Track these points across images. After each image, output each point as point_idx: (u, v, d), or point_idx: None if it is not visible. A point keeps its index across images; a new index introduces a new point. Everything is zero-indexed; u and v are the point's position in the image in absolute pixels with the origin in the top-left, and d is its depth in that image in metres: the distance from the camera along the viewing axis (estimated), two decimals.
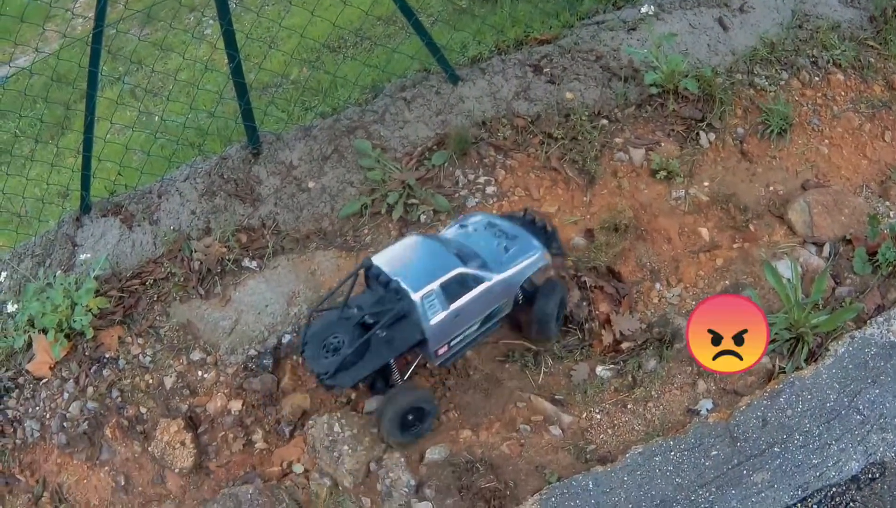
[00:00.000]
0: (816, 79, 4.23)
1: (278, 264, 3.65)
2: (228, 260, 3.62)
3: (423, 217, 3.73)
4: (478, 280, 2.78)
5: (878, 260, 3.61)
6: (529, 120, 3.84)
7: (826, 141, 4.11)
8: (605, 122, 3.87)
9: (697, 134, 3.94)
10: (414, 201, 3.75)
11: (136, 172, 4.26)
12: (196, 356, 3.44)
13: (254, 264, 3.67)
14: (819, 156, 4.05)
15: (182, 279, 3.57)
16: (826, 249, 3.75)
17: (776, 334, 3.29)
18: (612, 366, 3.38)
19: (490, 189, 3.78)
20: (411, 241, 2.94)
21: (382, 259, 2.82)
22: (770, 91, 4.09)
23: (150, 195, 3.84)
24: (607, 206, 3.74)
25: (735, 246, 3.75)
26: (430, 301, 2.68)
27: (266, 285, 3.56)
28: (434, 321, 2.69)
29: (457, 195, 3.79)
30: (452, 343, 2.85)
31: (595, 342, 3.44)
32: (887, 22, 4.59)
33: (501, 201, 3.74)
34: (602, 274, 3.59)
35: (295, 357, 3.36)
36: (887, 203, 3.97)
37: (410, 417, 2.82)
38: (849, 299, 3.53)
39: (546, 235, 3.12)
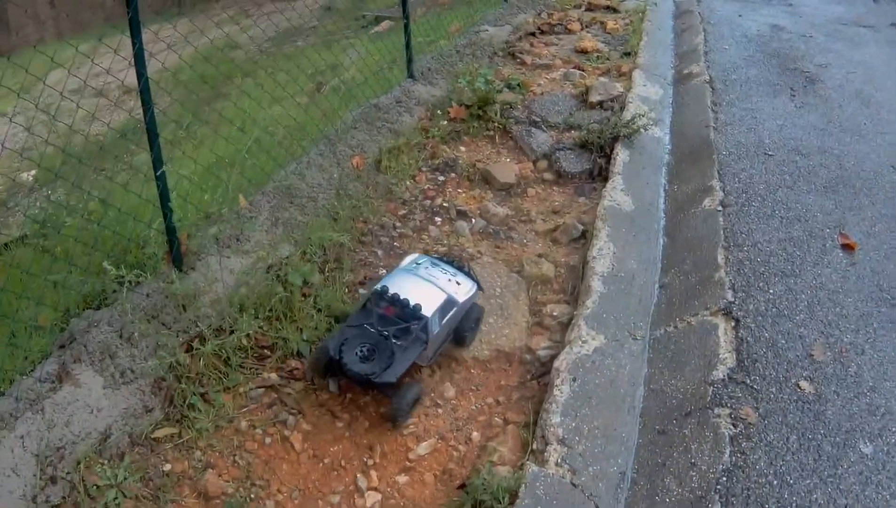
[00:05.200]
0: None
1: None
2: None
3: None
4: (452, 304, 3.63)
5: None
6: None
7: None
8: None
9: None
10: None
11: None
12: None
13: None
14: None
15: None
16: None
17: None
18: None
19: None
20: (402, 274, 3.76)
21: (393, 287, 3.60)
22: None
23: None
24: None
25: None
26: (434, 318, 3.50)
27: None
28: (434, 332, 3.53)
29: None
30: (435, 350, 3.65)
31: None
32: None
33: None
34: None
35: None
36: None
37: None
38: None
39: (470, 273, 3.93)
